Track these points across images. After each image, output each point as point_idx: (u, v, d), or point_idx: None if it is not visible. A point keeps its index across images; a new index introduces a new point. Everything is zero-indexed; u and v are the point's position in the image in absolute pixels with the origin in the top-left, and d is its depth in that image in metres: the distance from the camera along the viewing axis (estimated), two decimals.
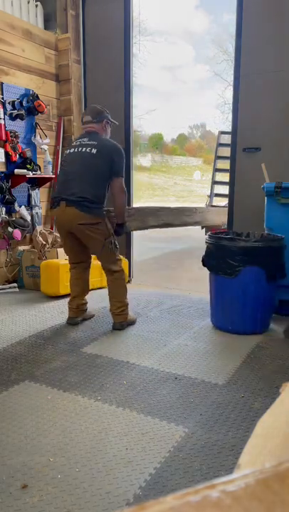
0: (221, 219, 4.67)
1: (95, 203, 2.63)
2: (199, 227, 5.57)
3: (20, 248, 3.96)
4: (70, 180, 2.66)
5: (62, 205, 2.63)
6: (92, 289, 3.77)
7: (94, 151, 2.67)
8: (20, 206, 3.91)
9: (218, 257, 2.65)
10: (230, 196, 3.72)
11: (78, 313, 2.97)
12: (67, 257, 3.34)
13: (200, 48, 49.49)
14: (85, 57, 4.28)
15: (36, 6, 4.12)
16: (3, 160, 3.71)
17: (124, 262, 4.05)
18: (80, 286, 2.98)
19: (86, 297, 3.04)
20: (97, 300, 3.50)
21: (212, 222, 4.65)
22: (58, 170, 4.25)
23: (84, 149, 2.69)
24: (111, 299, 2.86)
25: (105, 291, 3.81)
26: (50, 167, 4.16)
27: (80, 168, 2.67)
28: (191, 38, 47.21)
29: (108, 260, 2.79)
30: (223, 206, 7.37)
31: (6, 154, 3.73)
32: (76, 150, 2.73)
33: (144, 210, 3.59)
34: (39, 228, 4.06)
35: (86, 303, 3.02)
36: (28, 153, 3.87)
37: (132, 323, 2.92)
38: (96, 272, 3.80)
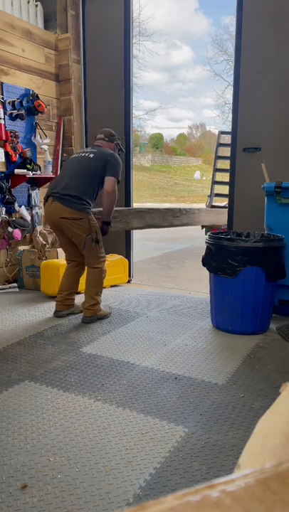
0: (212, 220, 4.49)
1: (81, 199, 2.77)
2: (199, 226, 5.55)
3: (20, 248, 3.96)
4: (60, 179, 2.86)
5: (50, 201, 2.82)
6: None
7: (91, 155, 2.88)
8: (20, 206, 3.91)
9: (218, 257, 2.65)
10: (230, 196, 3.72)
11: (63, 307, 3.08)
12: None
13: (199, 50, 49.53)
14: (85, 57, 4.28)
15: (36, 6, 4.12)
16: (3, 160, 3.71)
17: (124, 262, 4.06)
18: (68, 283, 3.09)
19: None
20: None
21: (204, 224, 4.48)
22: (58, 170, 4.25)
23: (83, 154, 2.92)
24: (85, 294, 2.98)
25: (106, 291, 3.83)
26: (50, 167, 4.16)
27: (74, 167, 2.87)
28: (191, 39, 47.27)
29: (90, 256, 2.90)
30: (223, 206, 7.38)
31: (6, 154, 3.72)
32: (76, 155, 2.97)
33: (127, 211, 3.51)
34: (39, 228, 4.06)
35: (73, 298, 3.12)
36: (28, 153, 3.87)
37: (104, 317, 3.02)
38: None
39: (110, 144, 3.04)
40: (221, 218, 4.56)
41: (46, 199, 2.86)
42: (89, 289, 2.96)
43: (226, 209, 7.31)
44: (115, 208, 3.09)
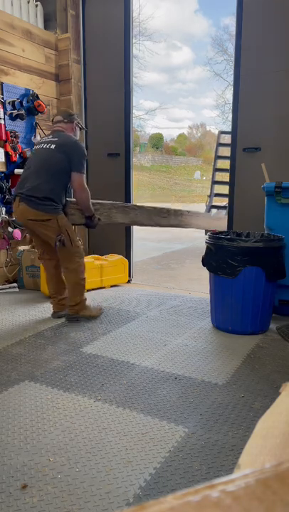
0: (202, 224, 4.23)
1: (48, 200, 2.68)
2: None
3: (21, 248, 3.96)
4: (27, 177, 2.76)
5: (17, 201, 2.75)
6: (92, 289, 3.78)
7: (53, 146, 2.75)
8: None
9: (218, 257, 2.65)
10: (230, 196, 3.72)
11: (59, 308, 3.06)
12: None
13: (199, 51, 49.56)
14: (85, 57, 4.28)
15: (36, 6, 4.12)
16: (3, 160, 3.71)
17: (124, 262, 4.06)
18: (55, 285, 3.05)
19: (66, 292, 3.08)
20: (98, 300, 3.50)
21: (194, 227, 4.22)
22: None
23: (45, 145, 2.79)
24: (68, 293, 2.96)
25: (106, 291, 3.83)
26: None
27: (37, 163, 2.76)
28: (191, 40, 47.30)
29: (62, 256, 2.85)
30: (223, 206, 7.38)
31: (6, 154, 3.73)
32: (39, 147, 2.83)
33: (110, 205, 3.39)
34: None
35: (66, 296, 3.07)
36: (28, 153, 3.87)
37: (92, 317, 2.98)
38: (96, 272, 3.81)
39: (70, 125, 2.91)
40: (212, 222, 4.36)
41: (14, 199, 2.80)
42: (68, 290, 2.93)
43: (221, 214, 7.30)
44: (98, 201, 3.06)
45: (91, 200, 2.94)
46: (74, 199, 2.95)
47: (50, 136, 2.85)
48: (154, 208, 3.72)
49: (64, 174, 2.73)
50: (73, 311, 2.93)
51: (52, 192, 2.69)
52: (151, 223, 3.70)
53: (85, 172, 2.85)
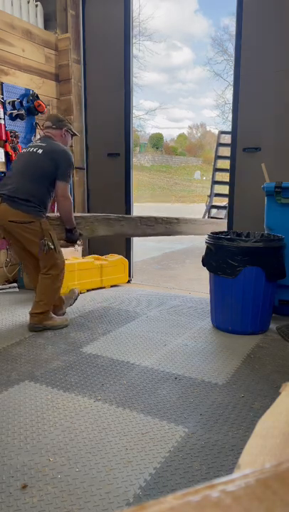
0: (190, 231, 3.93)
1: (30, 201, 2.61)
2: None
3: None
4: (11, 177, 2.69)
5: None
6: (92, 289, 3.78)
7: (40, 151, 2.70)
8: None
9: (218, 257, 2.65)
10: (230, 196, 3.72)
11: (55, 309, 2.93)
12: (67, 257, 3.34)
13: (199, 51, 49.59)
14: (85, 57, 4.28)
15: (36, 6, 4.12)
16: (3, 160, 3.71)
17: (124, 262, 4.06)
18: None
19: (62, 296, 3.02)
20: (98, 300, 3.50)
21: (184, 234, 3.93)
22: None
23: (32, 149, 2.74)
24: (35, 299, 2.79)
25: (106, 291, 3.83)
26: None
27: (23, 165, 2.70)
28: (191, 41, 47.33)
29: (43, 261, 2.71)
30: (223, 206, 7.38)
31: (6, 154, 3.73)
32: (26, 150, 2.79)
33: (93, 218, 3.19)
34: None
35: (59, 297, 2.95)
36: None
37: (55, 327, 2.79)
38: (96, 272, 3.81)
39: (59, 131, 2.83)
40: (202, 228, 4.15)
41: None
42: (38, 295, 2.76)
43: (222, 214, 7.27)
44: (80, 214, 2.94)
45: (73, 214, 2.85)
46: (54, 214, 2.87)
47: (39, 141, 2.82)
48: (141, 217, 3.52)
49: (48, 180, 2.67)
50: (36, 320, 2.75)
51: (35, 194, 2.62)
52: (138, 233, 3.51)
53: (70, 182, 2.79)
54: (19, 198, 2.59)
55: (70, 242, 2.90)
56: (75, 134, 2.98)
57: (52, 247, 2.66)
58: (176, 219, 3.77)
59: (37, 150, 2.71)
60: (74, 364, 2.26)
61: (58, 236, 2.83)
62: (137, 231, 3.48)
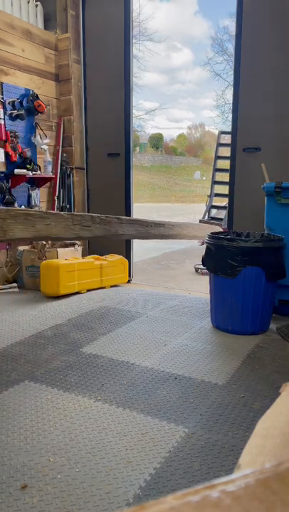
0: (135, 234, 3.20)
1: None
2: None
3: (20, 248, 3.96)
4: None
5: None
6: (92, 289, 3.78)
7: None
8: (20, 206, 3.91)
9: (218, 257, 2.65)
10: (230, 196, 3.72)
11: None
12: (67, 257, 3.34)
13: (199, 52, 49.59)
14: (85, 57, 4.28)
15: (36, 6, 4.12)
16: (3, 160, 3.71)
17: (124, 262, 4.06)
18: None
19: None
20: (98, 300, 3.50)
21: (126, 238, 3.37)
22: (58, 170, 4.26)
23: None
24: None
25: (106, 291, 3.83)
26: (50, 167, 4.16)
27: None
28: (191, 42, 47.37)
29: None
30: (223, 206, 7.37)
31: (6, 154, 3.73)
32: None
33: (5, 214, 2.27)
34: None
35: None
36: (28, 153, 3.87)
37: None
38: (96, 272, 3.81)
39: None
40: (197, 232, 3.80)
41: None
42: None
43: (221, 214, 7.24)
44: None
45: None
46: None
47: None
48: (72, 215, 2.70)
49: None
50: None
51: None
52: (68, 236, 2.65)
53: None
54: None
55: None
56: None
57: None
58: (118, 218, 2.98)
59: None
60: (74, 364, 2.26)
61: None
62: (67, 233, 2.64)
